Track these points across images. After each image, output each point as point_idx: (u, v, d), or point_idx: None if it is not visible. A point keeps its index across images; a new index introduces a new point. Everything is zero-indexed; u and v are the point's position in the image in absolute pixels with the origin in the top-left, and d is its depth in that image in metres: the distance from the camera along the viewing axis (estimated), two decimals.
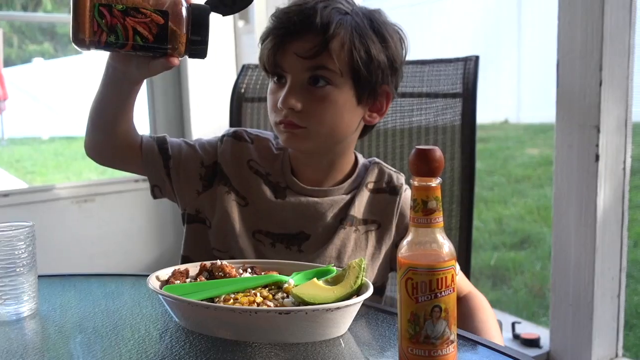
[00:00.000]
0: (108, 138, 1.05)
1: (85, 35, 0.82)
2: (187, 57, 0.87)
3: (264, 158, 1.12)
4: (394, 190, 1.11)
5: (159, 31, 0.83)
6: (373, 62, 1.01)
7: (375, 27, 1.02)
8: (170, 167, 1.10)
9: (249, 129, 1.16)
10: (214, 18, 0.89)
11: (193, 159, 1.11)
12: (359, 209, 1.10)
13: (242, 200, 1.10)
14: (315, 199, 1.09)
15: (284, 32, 1.01)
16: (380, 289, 1.13)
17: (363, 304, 0.82)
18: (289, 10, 1.02)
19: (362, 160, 1.15)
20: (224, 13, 0.91)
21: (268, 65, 1.04)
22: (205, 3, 0.88)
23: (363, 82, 1.02)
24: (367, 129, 1.12)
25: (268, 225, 1.09)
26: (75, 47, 0.84)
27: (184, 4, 0.85)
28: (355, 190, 1.11)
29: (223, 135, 1.14)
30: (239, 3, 0.92)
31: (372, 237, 1.10)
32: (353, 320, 0.81)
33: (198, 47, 0.86)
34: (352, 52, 1.00)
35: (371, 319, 0.87)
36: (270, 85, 1.07)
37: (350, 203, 1.09)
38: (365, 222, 1.10)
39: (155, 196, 1.13)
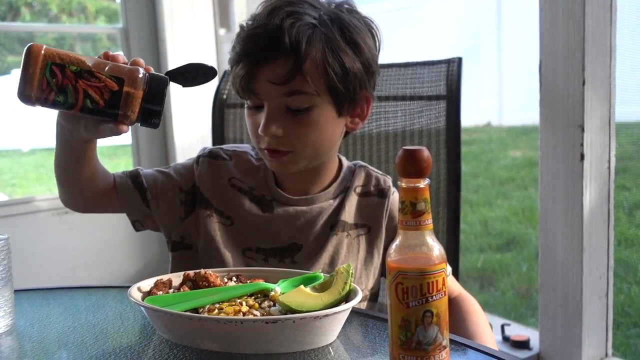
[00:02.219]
0: (76, 193, 1.03)
1: (32, 92, 0.79)
2: (138, 125, 0.84)
3: (245, 172, 1.10)
4: (382, 193, 1.10)
5: (111, 97, 0.80)
6: (349, 75, 0.98)
7: (347, 35, 0.98)
8: (148, 200, 1.07)
9: (224, 146, 1.14)
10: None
11: (170, 186, 1.08)
12: (349, 214, 1.08)
13: (227, 220, 1.07)
14: (304, 208, 1.07)
15: (253, 59, 0.97)
16: (376, 295, 1.11)
17: (352, 310, 0.80)
18: (254, 33, 0.98)
19: (346, 163, 1.13)
20: (184, 84, 0.88)
21: (242, 92, 1.01)
22: (165, 73, 0.85)
23: (341, 96, 0.99)
24: (348, 132, 1.10)
25: (258, 241, 1.06)
26: (20, 102, 0.81)
27: (142, 72, 0.82)
28: (342, 194, 1.09)
29: (198, 156, 1.11)
30: (201, 78, 0.89)
31: (363, 241, 1.08)
32: (342, 328, 0.79)
33: (151, 118, 0.83)
34: (326, 69, 0.96)
35: (361, 326, 0.85)
36: (246, 108, 1.04)
37: (339, 208, 1.08)
38: (356, 226, 1.08)
39: (137, 229, 1.11)
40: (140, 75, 0.81)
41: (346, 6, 1.02)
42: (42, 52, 0.78)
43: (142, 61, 0.84)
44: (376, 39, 1.03)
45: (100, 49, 3.92)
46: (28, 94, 0.79)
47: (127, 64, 0.83)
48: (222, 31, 2.98)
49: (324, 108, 1.00)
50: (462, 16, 6.75)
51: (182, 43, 2.80)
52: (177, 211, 1.08)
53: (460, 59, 1.37)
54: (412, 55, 1.52)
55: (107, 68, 0.80)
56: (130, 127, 0.84)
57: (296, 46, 0.94)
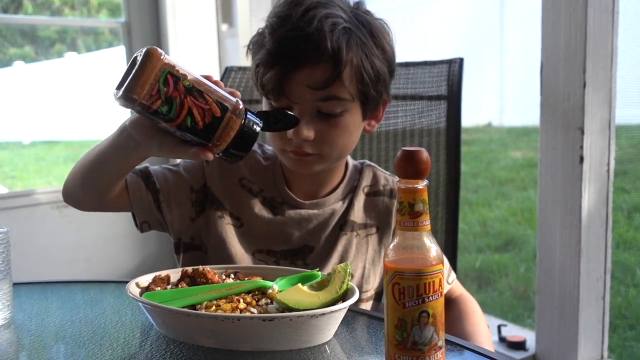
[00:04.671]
0: (95, 194, 0.99)
1: (140, 95, 0.76)
2: (216, 155, 0.82)
3: (255, 172, 1.09)
4: (392, 193, 1.10)
5: (211, 122, 0.78)
6: (380, 79, 0.99)
7: (376, 39, 0.98)
8: (160, 201, 1.04)
9: None
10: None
11: (182, 186, 1.06)
12: (357, 214, 1.08)
13: (237, 222, 1.06)
14: (316, 211, 1.07)
15: (292, 63, 0.94)
16: (382, 294, 1.11)
17: (349, 310, 0.81)
18: (293, 35, 0.94)
19: (351, 162, 1.13)
20: (263, 128, 0.85)
21: (273, 94, 0.97)
22: (257, 114, 0.83)
23: (371, 100, 1.00)
24: None
25: (268, 244, 1.06)
26: (116, 100, 0.78)
27: (242, 105, 0.80)
28: (351, 194, 1.09)
29: None
30: (281, 124, 0.89)
31: (373, 240, 1.09)
32: (339, 326, 0.80)
33: (235, 152, 0.81)
34: (362, 75, 0.96)
35: (357, 325, 0.85)
36: (268, 108, 1.01)
37: (348, 208, 1.08)
38: (365, 226, 1.09)
39: (143, 231, 1.07)
40: (241, 108, 0.80)
41: (362, 7, 1.01)
42: (163, 58, 0.76)
43: (239, 94, 0.82)
44: (393, 39, 1.03)
45: (102, 43, 3.92)
46: (135, 96, 0.76)
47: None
48: (224, 26, 2.98)
49: (354, 112, 1.00)
50: (465, 16, 6.75)
51: (185, 38, 2.80)
52: (189, 212, 1.06)
53: (461, 60, 1.37)
54: (414, 54, 1.53)
55: (214, 92, 0.79)
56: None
57: (337, 52, 0.93)
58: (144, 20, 2.81)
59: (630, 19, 1.83)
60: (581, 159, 1.74)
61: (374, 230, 1.09)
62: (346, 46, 0.94)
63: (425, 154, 0.64)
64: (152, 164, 1.09)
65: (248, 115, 0.81)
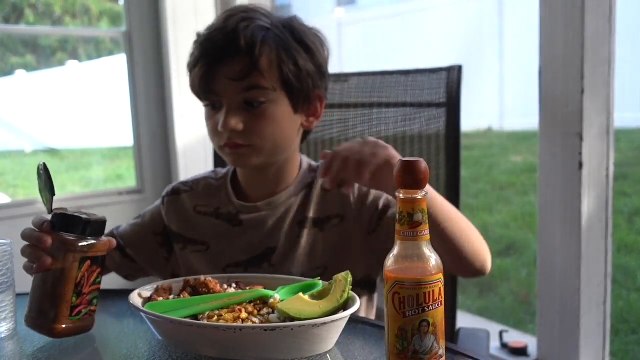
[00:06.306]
0: None
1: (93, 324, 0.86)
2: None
3: (207, 196, 1.16)
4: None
5: (100, 268, 0.86)
6: (302, 72, 1.05)
7: (298, 37, 1.06)
8: (128, 254, 1.16)
9: (184, 180, 1.21)
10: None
11: (144, 234, 1.17)
12: (317, 209, 1.11)
13: (202, 247, 1.13)
14: (269, 212, 1.11)
15: (212, 59, 1.04)
16: (366, 282, 1.12)
17: (350, 319, 0.81)
18: (211, 36, 1.05)
19: (306, 161, 1.17)
20: (51, 189, 0.87)
21: (201, 92, 1.06)
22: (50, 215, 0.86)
23: (296, 92, 1.06)
24: (307, 133, 1.16)
25: (235, 256, 1.11)
26: None
27: (63, 240, 0.84)
28: (305, 190, 1.12)
29: (163, 197, 1.18)
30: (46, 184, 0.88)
31: (337, 231, 1.10)
32: (340, 335, 0.80)
33: (98, 228, 0.85)
34: (281, 67, 1.03)
35: (359, 334, 0.86)
36: (206, 111, 1.09)
37: (305, 205, 1.11)
38: (329, 218, 1.10)
39: (130, 280, 1.18)
40: (70, 239, 0.83)
41: (297, 21, 1.09)
42: (59, 330, 0.82)
43: (42, 239, 0.84)
44: (325, 46, 1.11)
45: (103, 51, 3.93)
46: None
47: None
48: None
49: (280, 104, 1.06)
50: (464, 21, 6.77)
51: (185, 47, 2.81)
52: (160, 253, 1.17)
53: (460, 67, 1.38)
54: (414, 61, 1.54)
55: (70, 282, 0.83)
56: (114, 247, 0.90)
57: (252, 45, 1.02)
58: (145, 29, 2.82)
59: (627, 25, 1.84)
60: (580, 165, 1.75)
61: (337, 220, 1.10)
62: (261, 39, 1.02)
63: (424, 164, 0.65)
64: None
65: (62, 225, 0.84)
